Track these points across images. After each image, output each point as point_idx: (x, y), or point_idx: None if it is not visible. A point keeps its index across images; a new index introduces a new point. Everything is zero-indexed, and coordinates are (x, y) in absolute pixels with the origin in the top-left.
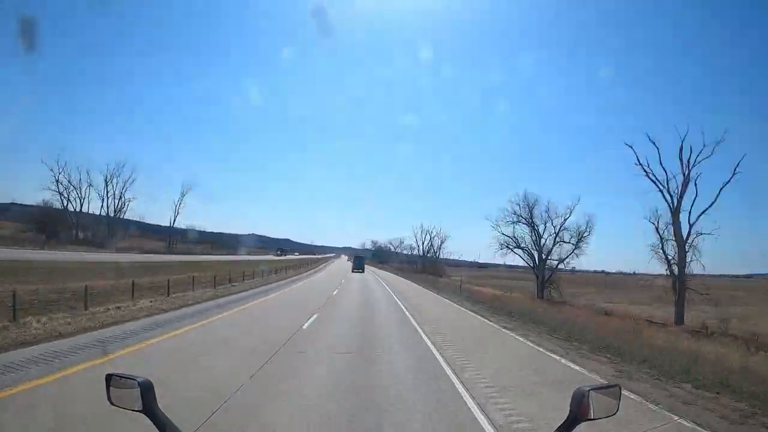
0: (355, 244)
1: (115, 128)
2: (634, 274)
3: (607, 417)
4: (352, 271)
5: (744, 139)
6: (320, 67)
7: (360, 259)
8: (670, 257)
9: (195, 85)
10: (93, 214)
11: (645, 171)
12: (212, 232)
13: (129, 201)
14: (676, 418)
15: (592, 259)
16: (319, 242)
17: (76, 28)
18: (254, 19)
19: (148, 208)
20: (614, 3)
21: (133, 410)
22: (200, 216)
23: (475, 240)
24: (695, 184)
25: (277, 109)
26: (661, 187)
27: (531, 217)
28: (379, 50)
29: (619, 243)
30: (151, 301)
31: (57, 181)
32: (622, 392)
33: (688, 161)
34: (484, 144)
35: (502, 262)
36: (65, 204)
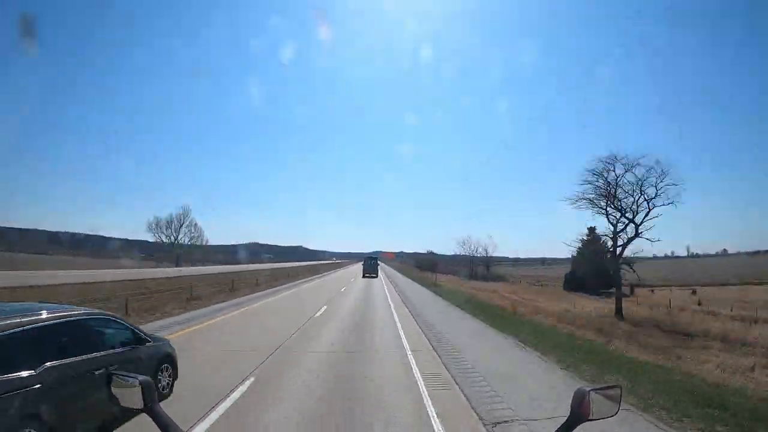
0: (392, 249)
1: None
2: None
3: (608, 417)
4: (363, 276)
5: None
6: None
7: (372, 261)
8: None
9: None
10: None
11: None
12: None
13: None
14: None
15: None
16: (344, 249)
17: (77, 27)
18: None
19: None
20: None
21: (134, 409)
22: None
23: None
24: None
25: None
26: None
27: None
28: None
29: None
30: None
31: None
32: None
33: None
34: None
35: None
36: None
